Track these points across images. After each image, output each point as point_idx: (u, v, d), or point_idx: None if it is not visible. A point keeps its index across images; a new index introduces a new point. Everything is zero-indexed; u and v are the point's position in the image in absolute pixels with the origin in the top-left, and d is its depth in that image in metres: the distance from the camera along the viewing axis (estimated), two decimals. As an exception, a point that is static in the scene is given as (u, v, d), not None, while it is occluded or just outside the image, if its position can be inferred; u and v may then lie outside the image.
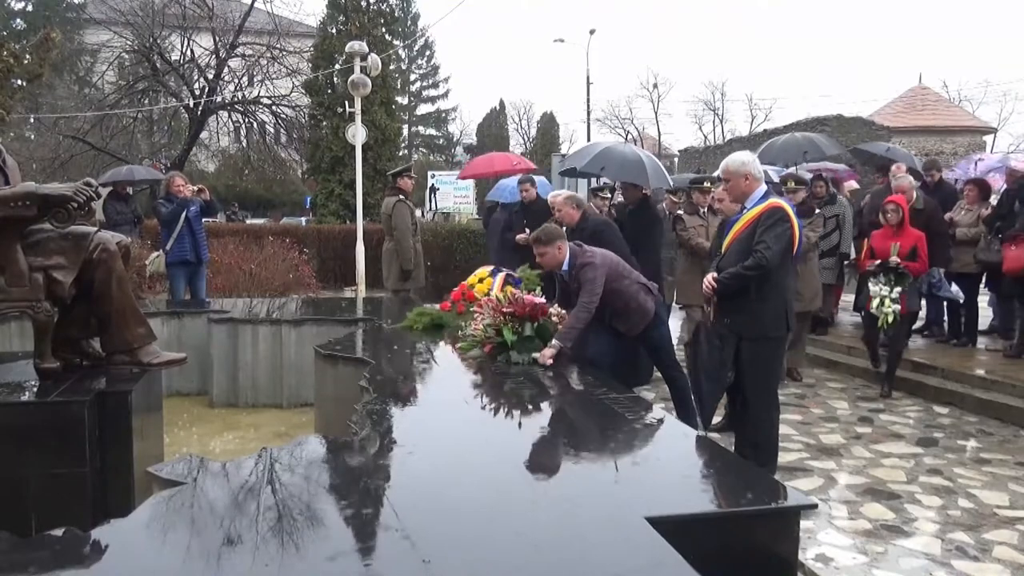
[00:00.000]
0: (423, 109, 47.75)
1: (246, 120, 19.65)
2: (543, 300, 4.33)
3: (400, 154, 23.08)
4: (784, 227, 4.06)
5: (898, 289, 6.26)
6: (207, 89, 18.54)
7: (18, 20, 26.62)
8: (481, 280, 4.37)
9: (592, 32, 33.20)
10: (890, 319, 6.29)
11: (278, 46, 19.00)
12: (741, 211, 4.29)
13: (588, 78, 34.30)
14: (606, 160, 10.00)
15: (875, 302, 6.34)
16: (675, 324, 7.21)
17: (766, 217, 4.09)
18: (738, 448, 4.31)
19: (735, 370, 4.26)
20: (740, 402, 4.38)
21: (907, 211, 6.46)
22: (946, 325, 7.85)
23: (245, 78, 19.11)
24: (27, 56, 12.16)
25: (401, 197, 7.72)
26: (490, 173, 12.95)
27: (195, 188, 7.84)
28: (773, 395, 4.37)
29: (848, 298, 8.92)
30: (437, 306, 5.53)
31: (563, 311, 4.39)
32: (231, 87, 19.15)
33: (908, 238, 6.36)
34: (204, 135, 21.02)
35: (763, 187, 4.28)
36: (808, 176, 8.24)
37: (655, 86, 39.66)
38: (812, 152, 10.18)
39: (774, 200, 4.21)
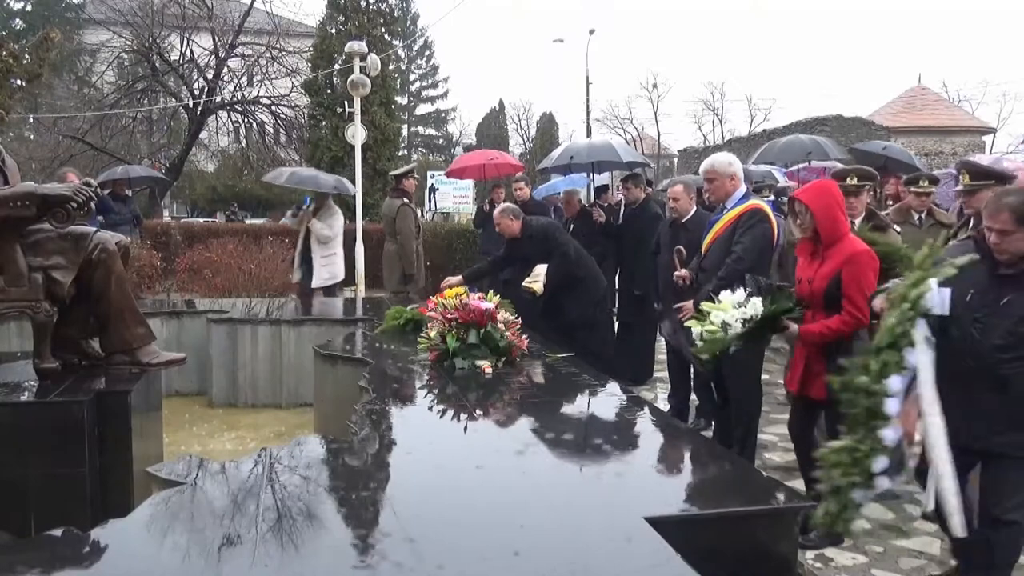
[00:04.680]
0: (422, 109, 47.75)
1: (245, 120, 19.65)
2: (491, 306, 4.13)
3: (400, 154, 23.08)
4: (763, 228, 4.21)
5: (752, 305, 3.41)
6: (206, 89, 18.55)
7: (17, 20, 26.59)
8: (457, 295, 4.31)
9: (591, 32, 33.13)
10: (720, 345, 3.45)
11: (277, 46, 19.00)
12: (721, 211, 4.37)
13: (587, 78, 34.27)
14: (573, 151, 10.10)
15: (702, 326, 3.51)
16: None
17: (747, 218, 4.23)
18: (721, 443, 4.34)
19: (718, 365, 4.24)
20: (724, 397, 4.43)
21: (817, 211, 3.46)
22: None
23: (244, 78, 19.11)
24: (26, 56, 12.14)
25: (405, 200, 7.74)
26: (478, 167, 12.66)
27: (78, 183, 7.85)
28: (756, 390, 4.43)
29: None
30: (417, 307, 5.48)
31: (511, 318, 4.23)
32: (230, 87, 19.15)
33: (829, 262, 3.45)
34: (203, 135, 21.03)
35: (743, 188, 4.41)
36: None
37: (654, 86, 39.57)
38: (816, 153, 10.16)
39: (754, 201, 4.36)
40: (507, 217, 5.81)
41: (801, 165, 10.51)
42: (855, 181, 4.86)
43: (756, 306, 3.40)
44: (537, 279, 5.52)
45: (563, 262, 5.52)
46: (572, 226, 7.17)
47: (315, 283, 7.89)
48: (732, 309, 3.40)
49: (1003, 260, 2.80)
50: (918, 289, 2.73)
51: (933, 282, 2.72)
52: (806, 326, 3.49)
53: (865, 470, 2.61)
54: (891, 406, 2.63)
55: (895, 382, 2.64)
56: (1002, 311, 2.77)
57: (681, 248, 4.88)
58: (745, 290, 3.48)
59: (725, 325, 3.40)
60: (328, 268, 7.99)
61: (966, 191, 4.25)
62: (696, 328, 3.54)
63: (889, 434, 2.61)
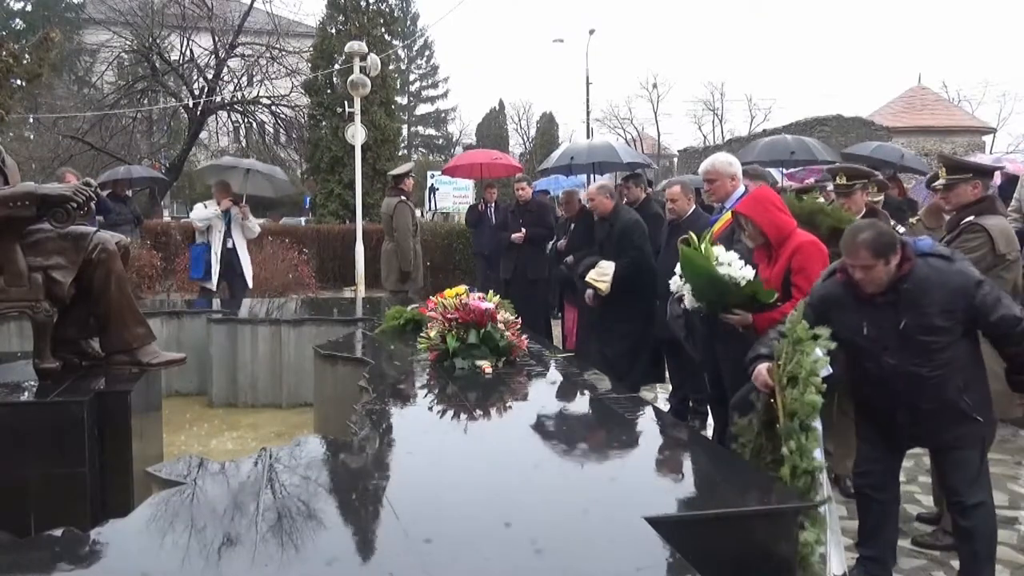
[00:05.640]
0: (422, 109, 47.81)
1: (245, 120, 19.68)
2: (491, 306, 4.12)
3: (400, 154, 23.07)
4: None
5: (745, 270, 3.61)
6: (206, 89, 18.56)
7: (17, 20, 26.59)
8: (458, 295, 4.30)
9: (592, 32, 33.18)
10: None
11: (277, 46, 19.03)
12: (720, 211, 4.34)
13: (587, 78, 34.28)
14: (574, 152, 10.06)
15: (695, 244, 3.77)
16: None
17: None
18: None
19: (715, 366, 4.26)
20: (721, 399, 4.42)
21: (756, 217, 3.66)
22: None
23: (244, 78, 19.13)
24: (26, 56, 12.15)
25: (402, 198, 7.73)
26: (475, 167, 12.43)
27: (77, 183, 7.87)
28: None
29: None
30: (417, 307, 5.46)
31: (511, 318, 4.19)
32: (230, 87, 19.17)
33: (781, 259, 3.64)
34: (203, 135, 21.05)
35: (742, 188, 4.37)
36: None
37: (654, 86, 39.56)
38: (800, 154, 10.02)
39: None
40: (603, 194, 5.86)
41: (797, 169, 10.46)
42: (844, 181, 4.69)
43: (747, 272, 3.57)
44: (604, 277, 5.47)
45: (633, 264, 5.47)
46: (572, 226, 7.15)
47: (251, 283, 7.92)
48: (730, 257, 3.62)
49: (871, 291, 2.94)
50: (812, 360, 2.86)
51: (819, 351, 2.88)
52: (761, 313, 3.58)
53: None
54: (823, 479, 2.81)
55: (818, 454, 2.81)
56: (903, 334, 2.93)
57: (691, 233, 4.84)
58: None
59: (718, 258, 3.59)
60: (250, 267, 8.08)
61: (945, 186, 4.10)
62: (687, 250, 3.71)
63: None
